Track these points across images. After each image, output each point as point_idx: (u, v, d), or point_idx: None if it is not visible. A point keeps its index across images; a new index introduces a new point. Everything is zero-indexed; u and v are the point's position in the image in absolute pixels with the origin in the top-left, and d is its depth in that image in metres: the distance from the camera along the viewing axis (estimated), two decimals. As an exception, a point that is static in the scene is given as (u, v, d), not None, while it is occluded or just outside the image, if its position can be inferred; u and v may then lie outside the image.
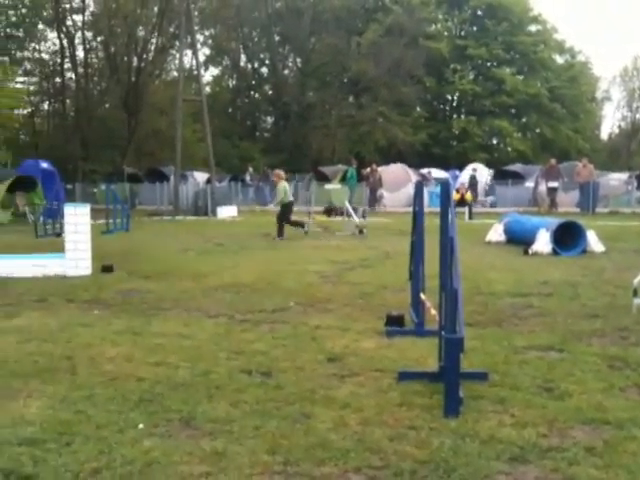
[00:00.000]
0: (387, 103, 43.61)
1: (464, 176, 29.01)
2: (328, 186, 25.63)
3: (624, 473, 3.09)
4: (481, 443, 3.40)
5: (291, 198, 15.36)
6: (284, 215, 14.93)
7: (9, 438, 3.40)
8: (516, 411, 3.85)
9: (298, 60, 49.91)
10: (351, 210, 16.11)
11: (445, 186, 4.55)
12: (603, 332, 5.84)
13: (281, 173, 15.60)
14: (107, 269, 9.19)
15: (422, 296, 5.71)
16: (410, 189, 27.60)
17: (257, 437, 3.47)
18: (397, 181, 28.13)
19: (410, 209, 6.68)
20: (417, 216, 6.08)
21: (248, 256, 11.30)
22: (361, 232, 15.12)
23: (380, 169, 27.56)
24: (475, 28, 48.63)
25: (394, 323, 5.84)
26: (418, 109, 48.04)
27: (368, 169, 27.57)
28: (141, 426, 3.60)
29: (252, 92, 52.07)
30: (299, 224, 15.36)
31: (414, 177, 28.33)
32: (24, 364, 4.70)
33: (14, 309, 6.71)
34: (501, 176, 30.59)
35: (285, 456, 3.24)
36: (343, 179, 28.31)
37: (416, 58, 42.82)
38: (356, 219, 15.77)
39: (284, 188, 15.08)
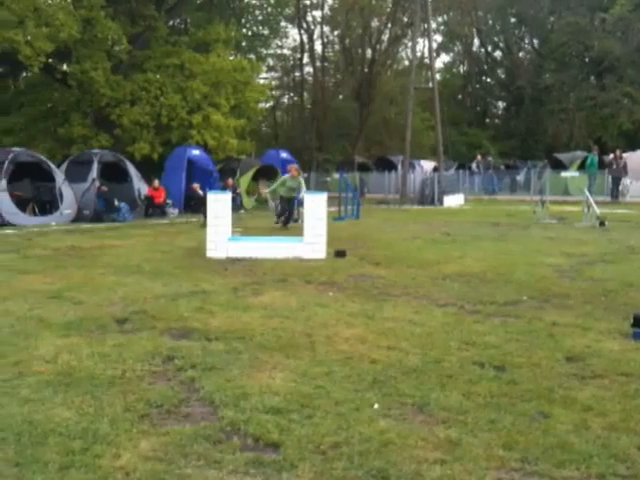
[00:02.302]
0: (634, 83, 39.70)
1: None
2: (565, 174, 24.11)
3: None
4: None
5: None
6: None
7: (257, 406, 3.72)
8: None
9: (535, 41, 47.54)
10: (591, 200, 14.96)
11: None
12: None
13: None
14: (340, 254, 9.61)
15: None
16: (660, 177, 24.90)
17: (492, 431, 3.40)
18: (644, 169, 25.47)
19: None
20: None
21: (476, 246, 11.07)
22: (602, 224, 13.99)
23: (625, 155, 25.19)
24: None
25: (643, 324, 5.33)
26: (672, 88, 43.01)
27: (612, 155, 25.35)
28: (376, 406, 3.72)
29: (484, 77, 50.79)
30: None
31: (665, 164, 25.44)
32: (269, 338, 5.11)
33: (259, 287, 7.32)
34: None
35: (522, 453, 3.14)
36: (582, 166, 26.40)
37: (672, 33, 38.36)
38: (596, 210, 14.62)
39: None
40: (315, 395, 3.88)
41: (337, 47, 43.93)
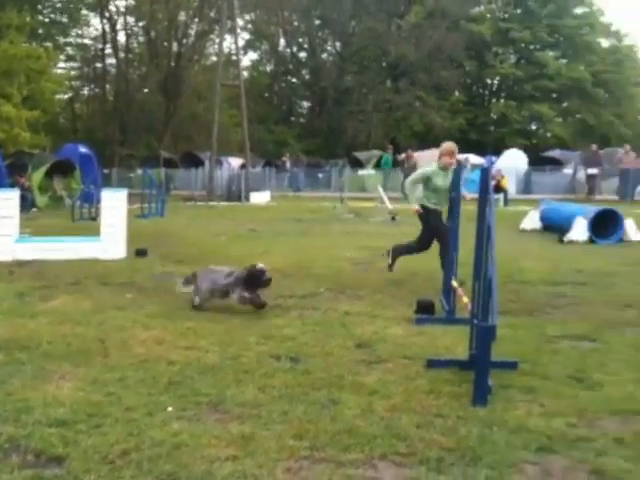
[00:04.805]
0: (425, 87, 43.16)
1: (500, 162, 28.58)
2: (362, 172, 25.56)
3: (654, 466, 3.03)
4: (509, 432, 3.37)
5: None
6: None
7: (40, 419, 3.47)
8: (545, 401, 3.81)
9: (337, 44, 49.60)
10: (384, 197, 16.02)
11: (484, 172, 4.50)
12: (637, 322, 5.74)
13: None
14: (141, 253, 9.32)
15: (454, 283, 5.66)
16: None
17: (284, 422, 3.49)
18: (433, 167, 27.77)
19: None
20: (453, 202, 6.02)
21: (280, 241, 11.35)
22: (393, 219, 15.06)
23: (416, 154, 27.29)
24: (519, 10, 47.46)
25: (424, 310, 5.82)
26: (457, 93, 47.41)
27: (404, 154, 27.36)
28: (170, 409, 3.65)
29: (289, 77, 52.03)
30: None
31: (450, 163, 27.97)
32: (57, 346, 4.79)
33: (49, 292, 6.85)
34: (539, 162, 30.06)
35: (312, 441, 3.25)
36: (378, 165, 28.14)
37: (457, 41, 42.15)
38: (389, 205, 15.68)
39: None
40: (105, 403, 3.72)
41: (142, 39, 42.51)
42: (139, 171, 23.02)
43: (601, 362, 4.53)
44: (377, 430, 3.39)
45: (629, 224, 11.68)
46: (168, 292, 6.85)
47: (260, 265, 6.02)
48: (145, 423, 3.45)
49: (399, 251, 7.72)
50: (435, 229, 7.17)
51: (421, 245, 7.49)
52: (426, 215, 7.25)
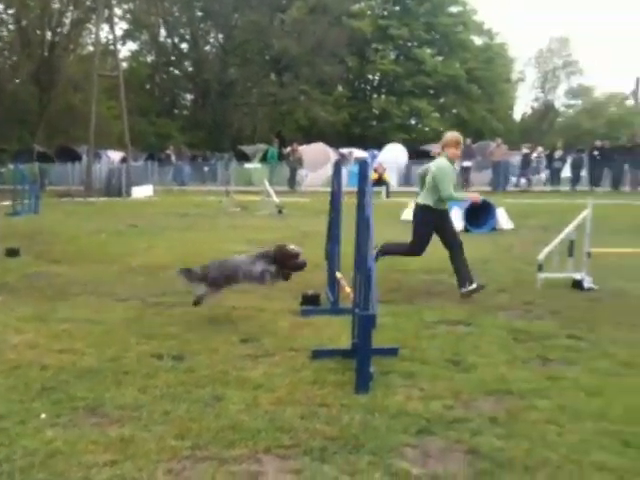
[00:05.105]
0: (309, 82, 43.60)
1: (382, 156, 29.44)
2: (248, 165, 25.44)
3: (525, 442, 3.22)
4: (390, 417, 3.47)
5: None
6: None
7: None
8: (424, 384, 3.96)
9: (220, 36, 49.03)
10: (271, 190, 16.04)
11: (362, 165, 4.57)
12: (509, 306, 6.10)
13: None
14: (12, 253, 8.77)
15: (338, 275, 5.75)
16: (329, 169, 27.79)
17: (166, 422, 3.40)
18: (317, 160, 28.21)
19: (329, 189, 6.64)
20: (335, 195, 6.10)
21: (163, 237, 11.07)
22: (280, 212, 15.12)
23: (301, 148, 27.55)
24: (397, 8, 48.99)
25: (309, 302, 5.88)
26: (340, 88, 48.29)
27: (289, 148, 27.54)
28: (43, 416, 3.46)
29: (171, 68, 50.87)
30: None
31: (333, 157, 28.48)
32: None
33: None
34: (418, 156, 31.21)
35: (194, 440, 3.19)
36: (264, 158, 28.12)
37: (339, 37, 42.87)
38: (275, 199, 15.72)
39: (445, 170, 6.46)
40: (-29, 413, 3.47)
41: (12, 27, 39.97)
42: (10, 166, 21.64)
43: (475, 345, 4.77)
44: (261, 424, 3.38)
45: (501, 213, 12.38)
46: (42, 293, 6.51)
47: (292, 246, 5.30)
48: (16, 432, 3.25)
49: (390, 250, 6.92)
50: (423, 235, 6.53)
51: (414, 248, 6.67)
52: (424, 217, 6.59)
